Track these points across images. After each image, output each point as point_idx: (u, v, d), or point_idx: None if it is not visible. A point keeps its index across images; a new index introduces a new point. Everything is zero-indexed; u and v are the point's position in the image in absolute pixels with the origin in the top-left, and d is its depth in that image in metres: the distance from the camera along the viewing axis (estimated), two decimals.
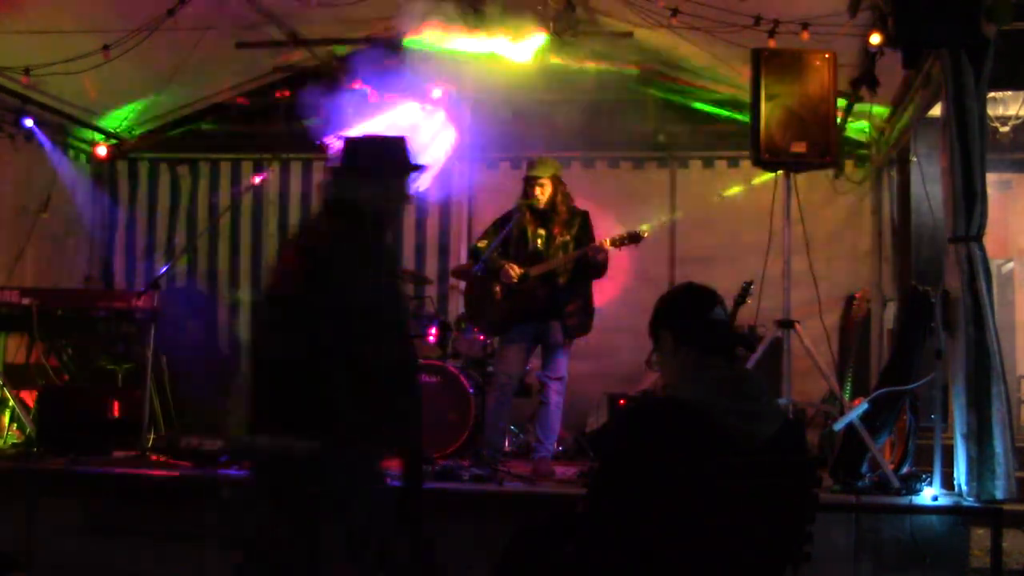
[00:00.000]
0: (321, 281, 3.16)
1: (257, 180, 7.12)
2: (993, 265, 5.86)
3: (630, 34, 7.25)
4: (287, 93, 8.08)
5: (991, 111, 6.49)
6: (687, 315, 2.85)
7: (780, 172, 5.56)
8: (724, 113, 7.99)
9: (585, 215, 5.94)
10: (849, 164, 7.72)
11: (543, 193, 5.84)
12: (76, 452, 5.69)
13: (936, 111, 5.16)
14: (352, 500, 3.16)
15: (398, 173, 3.48)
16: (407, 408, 3.27)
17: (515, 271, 5.80)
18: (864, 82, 5.95)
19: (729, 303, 5.87)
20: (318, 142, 7.11)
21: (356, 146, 3.50)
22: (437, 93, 7.34)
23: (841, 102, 5.98)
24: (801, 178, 5.66)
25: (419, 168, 3.55)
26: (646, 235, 5.81)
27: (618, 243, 5.74)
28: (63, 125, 7.99)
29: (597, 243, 5.75)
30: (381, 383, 3.14)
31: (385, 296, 3.27)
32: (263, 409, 3.24)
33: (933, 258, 6.17)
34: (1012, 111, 7.11)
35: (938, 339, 4.91)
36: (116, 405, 6.17)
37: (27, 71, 6.78)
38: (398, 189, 3.48)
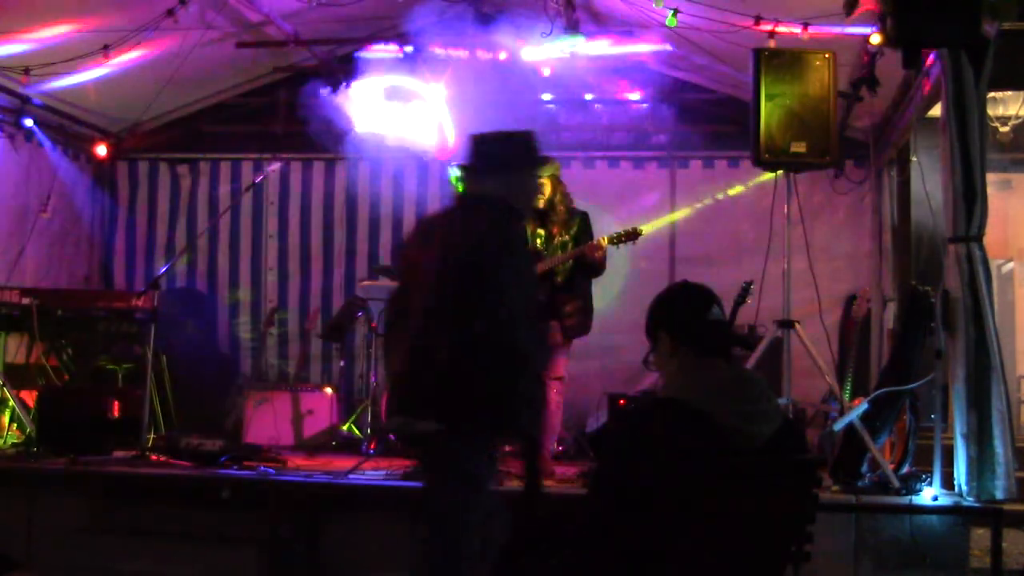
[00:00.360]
0: (458, 271, 3.31)
1: (267, 172, 7.14)
2: (993, 265, 5.85)
3: (631, 33, 7.25)
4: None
5: (991, 111, 6.49)
6: (685, 316, 2.83)
7: (780, 172, 5.56)
8: (724, 113, 7.99)
9: (584, 216, 5.93)
10: (849, 164, 7.71)
11: (542, 193, 5.84)
12: (76, 452, 5.68)
13: (936, 111, 5.15)
14: (471, 480, 3.31)
15: (524, 165, 3.60)
16: (533, 392, 3.40)
17: None
18: (864, 82, 5.95)
19: (729, 303, 5.94)
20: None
21: (481, 142, 3.61)
22: (438, 92, 7.34)
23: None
24: (801, 178, 5.66)
25: (545, 160, 3.60)
26: (643, 233, 5.83)
27: (615, 241, 5.73)
28: (63, 125, 7.99)
29: (595, 241, 5.75)
30: (510, 367, 3.29)
31: (520, 284, 3.41)
32: (398, 393, 3.49)
33: (933, 258, 6.17)
34: (1012, 111, 7.11)
35: (938, 339, 4.91)
36: (116, 405, 6.17)
37: (27, 71, 6.78)
38: (526, 180, 3.61)
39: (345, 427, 7.27)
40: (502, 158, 3.53)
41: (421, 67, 7.33)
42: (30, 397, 6.41)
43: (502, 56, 7.09)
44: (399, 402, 3.49)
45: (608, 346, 7.07)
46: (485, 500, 3.36)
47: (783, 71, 5.28)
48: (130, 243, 8.74)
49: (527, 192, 3.61)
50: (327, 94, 7.30)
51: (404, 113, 7.39)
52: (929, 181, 5.40)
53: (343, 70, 7.68)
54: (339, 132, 7.31)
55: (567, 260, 5.77)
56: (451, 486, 3.32)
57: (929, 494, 4.82)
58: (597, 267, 5.80)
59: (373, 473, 5.45)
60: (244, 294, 8.56)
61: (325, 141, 7.48)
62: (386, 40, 7.96)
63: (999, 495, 4.62)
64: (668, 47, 7.42)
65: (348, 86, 7.33)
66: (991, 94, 5.65)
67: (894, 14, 4.70)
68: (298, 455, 6.28)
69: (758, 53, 5.37)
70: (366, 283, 7.58)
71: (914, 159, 6.35)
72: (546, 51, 6.88)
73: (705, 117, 8.06)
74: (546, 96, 7.41)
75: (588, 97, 8.11)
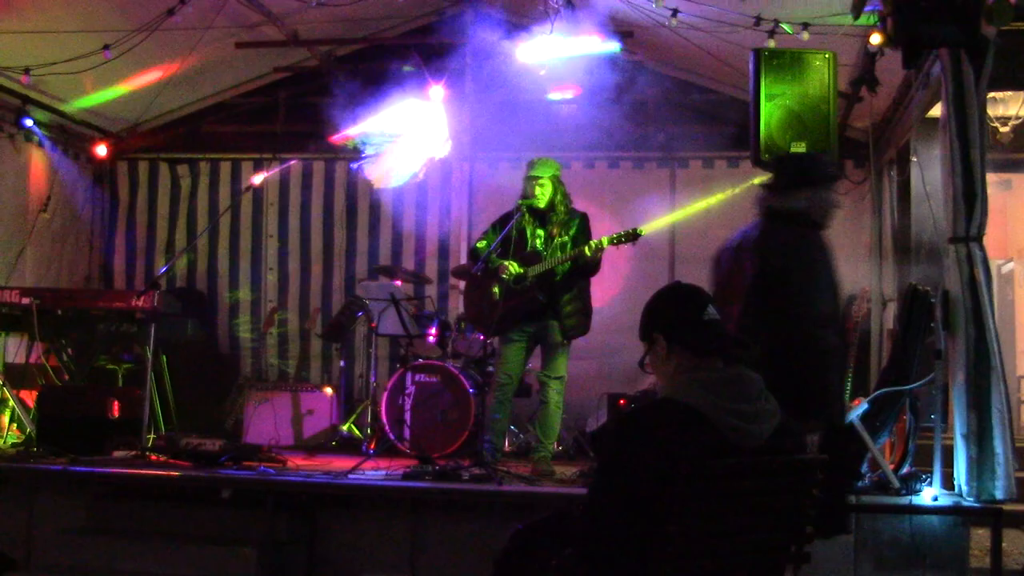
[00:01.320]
0: (767, 279, 3.69)
1: (265, 176, 7.16)
2: (993, 265, 5.85)
3: (631, 34, 7.25)
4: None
5: (991, 111, 6.48)
6: (679, 317, 2.82)
7: None
8: (724, 113, 7.99)
9: (584, 216, 5.93)
10: (849, 164, 7.70)
11: (543, 193, 5.84)
12: (76, 452, 5.68)
13: (936, 111, 5.15)
14: None
15: (822, 181, 4.02)
16: (841, 387, 3.79)
17: (511, 270, 5.81)
18: (864, 82, 5.95)
19: None
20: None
21: (784, 164, 4.05)
22: (438, 91, 7.34)
23: None
24: None
25: (839, 177, 4.13)
26: (643, 233, 5.83)
27: (615, 241, 5.73)
28: (63, 125, 7.99)
29: (594, 242, 5.75)
30: (819, 364, 3.70)
31: (822, 288, 3.78)
32: None
33: (933, 258, 6.16)
34: (1012, 111, 7.09)
35: (938, 339, 4.91)
36: (116, 405, 6.17)
37: (27, 71, 6.79)
38: (826, 196, 3.98)
39: (345, 427, 7.28)
40: (804, 176, 3.92)
41: (422, 67, 7.33)
42: (30, 397, 6.41)
43: (503, 56, 7.08)
44: None
45: (608, 346, 7.07)
46: None
47: (783, 71, 5.28)
48: (130, 243, 8.74)
49: (826, 205, 3.97)
50: (331, 94, 7.30)
51: (404, 113, 7.39)
52: (929, 181, 5.39)
53: (343, 70, 7.68)
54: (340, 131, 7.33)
55: (566, 260, 5.78)
56: None
57: (929, 494, 4.81)
58: (594, 267, 5.82)
59: (373, 473, 5.45)
60: (244, 294, 8.56)
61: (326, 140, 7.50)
62: (387, 40, 7.96)
63: (999, 495, 4.61)
64: (667, 46, 7.41)
65: (350, 86, 7.33)
66: (991, 94, 5.65)
67: (894, 14, 4.70)
68: (298, 455, 6.28)
69: (758, 53, 5.37)
70: (366, 283, 7.58)
71: (914, 159, 6.35)
72: (546, 51, 6.87)
73: (705, 117, 8.06)
74: (546, 95, 7.40)
75: (587, 96, 8.10)
